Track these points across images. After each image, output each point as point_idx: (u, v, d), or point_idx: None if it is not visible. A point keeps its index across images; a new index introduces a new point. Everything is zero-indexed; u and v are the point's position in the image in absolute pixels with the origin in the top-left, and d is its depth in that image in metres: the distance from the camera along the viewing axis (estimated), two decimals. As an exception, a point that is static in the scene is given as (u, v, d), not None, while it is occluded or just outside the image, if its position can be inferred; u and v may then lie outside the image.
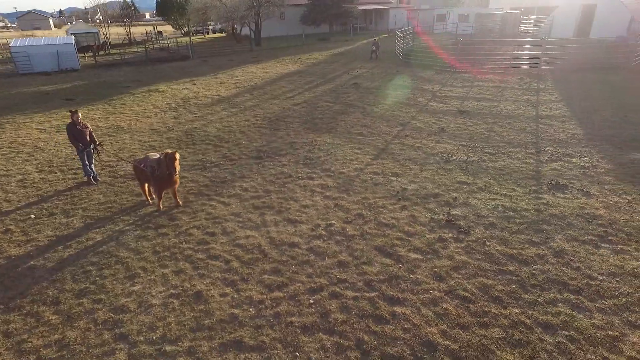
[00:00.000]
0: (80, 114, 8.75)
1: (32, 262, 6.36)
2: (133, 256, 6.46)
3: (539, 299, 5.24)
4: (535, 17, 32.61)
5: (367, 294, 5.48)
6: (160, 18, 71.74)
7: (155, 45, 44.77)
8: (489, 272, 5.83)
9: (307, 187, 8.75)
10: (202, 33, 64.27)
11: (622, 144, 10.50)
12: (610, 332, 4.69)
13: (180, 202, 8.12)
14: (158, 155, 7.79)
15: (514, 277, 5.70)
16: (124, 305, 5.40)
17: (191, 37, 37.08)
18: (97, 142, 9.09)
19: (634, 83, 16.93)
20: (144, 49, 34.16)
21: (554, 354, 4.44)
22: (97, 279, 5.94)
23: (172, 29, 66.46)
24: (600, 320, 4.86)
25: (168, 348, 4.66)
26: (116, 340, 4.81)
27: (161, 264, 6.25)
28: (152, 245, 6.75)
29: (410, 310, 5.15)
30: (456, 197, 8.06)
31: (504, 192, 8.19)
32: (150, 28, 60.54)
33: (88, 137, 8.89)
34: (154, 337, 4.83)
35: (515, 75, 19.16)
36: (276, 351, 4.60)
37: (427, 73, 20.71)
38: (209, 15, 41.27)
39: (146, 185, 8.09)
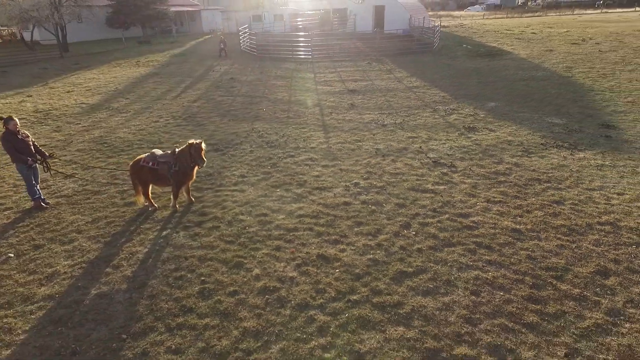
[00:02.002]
0: (17, 120, 6.79)
1: (97, 291, 5.08)
2: (211, 251, 5.89)
3: (532, 190, 7.56)
4: (339, 15, 38.16)
5: (441, 216, 6.73)
6: None
7: None
8: (494, 183, 7.88)
9: (299, 163, 9.18)
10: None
11: (477, 98, 14.50)
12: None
13: (193, 199, 7.44)
14: (167, 151, 6.99)
15: (507, 181, 7.89)
16: (266, 285, 5.14)
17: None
18: (48, 154, 7.22)
19: (442, 61, 22.57)
20: None
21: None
22: (203, 278, 5.30)
23: None
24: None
25: (333, 304, 4.90)
26: (290, 308, 4.70)
27: (252, 248, 5.96)
28: (217, 237, 6.23)
29: (481, 217, 6.68)
30: (420, 147, 9.97)
31: (445, 138, 10.56)
32: None
33: (33, 149, 6.99)
34: (320, 300, 4.93)
35: (364, 60, 22.73)
36: (432, 265, 5.43)
37: (290, 64, 22.31)
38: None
39: (150, 187, 7.08)
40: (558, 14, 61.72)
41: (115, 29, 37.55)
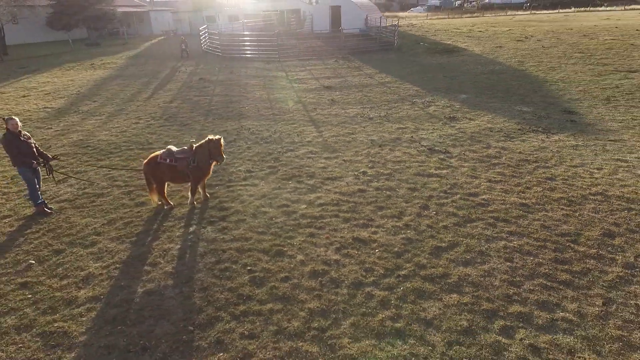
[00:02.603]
0: (18, 120, 6.36)
1: (143, 289, 4.93)
2: (247, 242, 5.90)
3: (525, 170, 8.27)
4: (295, 15, 38.36)
5: (454, 197, 7.18)
6: None
7: None
8: (490, 165, 8.50)
9: (301, 156, 9.31)
10: None
11: (448, 91, 15.34)
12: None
13: (208, 195, 7.35)
14: (184, 147, 6.86)
15: (501, 163, 8.54)
16: (314, 269, 5.26)
17: None
18: (52, 157, 6.80)
19: (405, 58, 23.51)
20: None
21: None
22: (249, 267, 5.32)
23: None
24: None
25: (385, 280, 5.17)
26: (346, 287, 4.89)
27: (287, 237, 6.04)
28: (247, 230, 6.23)
29: (488, 195, 7.22)
30: (412, 136, 10.46)
31: (431, 127, 11.15)
32: None
33: (36, 151, 6.58)
34: (371, 278, 5.16)
35: (330, 58, 23.10)
36: (462, 239, 5.84)
37: (258, 64, 22.18)
38: None
39: (165, 185, 6.91)
40: (493, 14, 66.02)
41: (57, 30, 35.10)
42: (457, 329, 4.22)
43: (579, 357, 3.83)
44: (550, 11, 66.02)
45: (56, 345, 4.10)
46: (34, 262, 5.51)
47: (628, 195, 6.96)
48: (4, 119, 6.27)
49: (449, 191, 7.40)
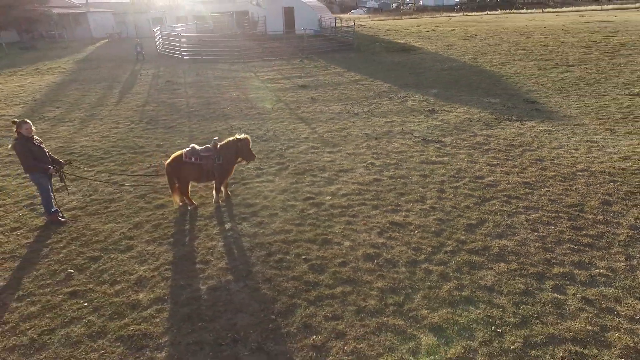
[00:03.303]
0: (31, 124, 5.94)
1: (205, 286, 4.87)
2: (289, 234, 5.99)
3: (514, 153, 9.08)
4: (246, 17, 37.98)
5: (463, 180, 7.74)
6: None
7: None
8: (483, 151, 9.22)
9: (305, 152, 9.46)
10: None
11: (418, 87, 16.18)
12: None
13: (229, 193, 7.30)
14: (207, 145, 6.78)
15: (491, 149, 9.30)
16: (366, 252, 5.49)
17: None
18: (65, 162, 6.39)
19: (367, 57, 24.27)
20: None
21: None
22: (303, 257, 5.42)
23: None
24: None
25: (435, 257, 5.56)
26: (403, 266, 5.19)
27: (326, 226, 6.20)
28: (284, 222, 6.31)
29: (493, 177, 7.86)
30: (402, 129, 10.99)
31: (416, 120, 11.77)
32: None
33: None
34: (422, 256, 5.51)
35: (294, 59, 23.24)
36: (487, 216, 6.36)
37: (222, 66, 21.77)
38: None
39: (189, 185, 6.78)
40: (430, 16, 69.68)
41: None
42: (517, 291, 4.67)
43: (625, 304, 4.43)
44: (480, 13, 71.13)
45: (142, 347, 3.97)
46: (72, 271, 5.20)
47: (608, 170, 7.92)
48: (14, 122, 5.81)
49: (456, 175, 7.95)
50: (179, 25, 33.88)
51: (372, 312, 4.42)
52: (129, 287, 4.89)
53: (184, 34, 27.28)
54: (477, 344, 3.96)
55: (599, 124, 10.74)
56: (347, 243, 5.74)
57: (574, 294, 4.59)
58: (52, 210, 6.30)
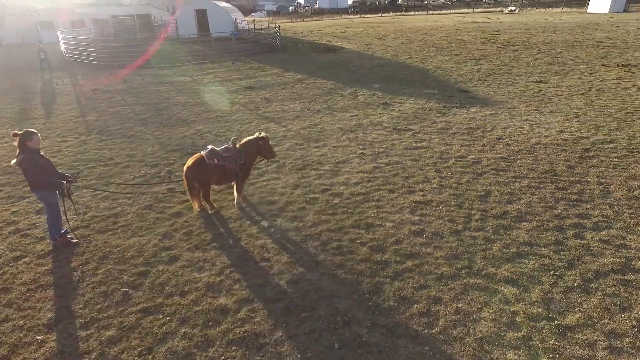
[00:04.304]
0: (39, 135, 5.21)
1: (283, 281, 4.82)
2: (329, 224, 6.15)
3: (477, 135, 10.31)
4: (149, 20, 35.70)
5: (450, 161, 8.61)
6: None
7: None
8: (450, 135, 10.28)
9: (292, 149, 9.56)
10: None
11: (360, 82, 17.07)
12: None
13: (245, 193, 7.16)
14: (226, 145, 6.59)
15: (456, 132, 10.42)
16: (411, 230, 5.91)
17: None
18: (74, 174, 5.67)
19: (297, 57, 24.64)
20: None
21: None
22: (358, 241, 5.64)
23: None
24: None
25: (471, 225, 6.24)
26: (449, 236, 5.75)
27: (359, 212, 6.48)
28: (317, 214, 6.44)
29: (473, 156, 8.87)
30: (370, 121, 11.66)
31: (377, 112, 12.55)
32: None
33: (55, 172, 5.45)
34: (460, 226, 6.13)
35: (225, 61, 22.61)
36: (491, 187, 7.24)
37: (149, 71, 20.28)
38: None
39: (210, 188, 6.52)
40: (330, 18, 72.54)
41: None
42: (550, 242, 5.52)
43: (630, 239, 5.53)
44: (375, 15, 76.28)
45: (262, 346, 3.88)
46: (127, 289, 4.73)
47: (554, 142, 9.45)
48: (16, 134, 5.02)
49: (442, 157, 8.80)
50: (73, 30, 30.53)
51: (450, 277, 4.87)
52: (202, 294, 4.64)
53: (86, 39, 24.73)
54: (548, 287, 4.65)
55: (527, 106, 12.60)
56: (388, 224, 6.10)
57: (592, 238, 5.58)
58: (62, 232, 5.56)
